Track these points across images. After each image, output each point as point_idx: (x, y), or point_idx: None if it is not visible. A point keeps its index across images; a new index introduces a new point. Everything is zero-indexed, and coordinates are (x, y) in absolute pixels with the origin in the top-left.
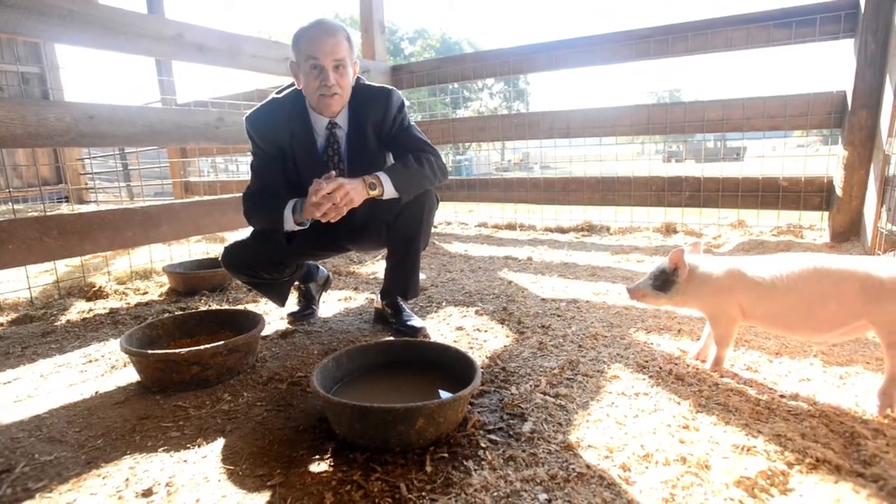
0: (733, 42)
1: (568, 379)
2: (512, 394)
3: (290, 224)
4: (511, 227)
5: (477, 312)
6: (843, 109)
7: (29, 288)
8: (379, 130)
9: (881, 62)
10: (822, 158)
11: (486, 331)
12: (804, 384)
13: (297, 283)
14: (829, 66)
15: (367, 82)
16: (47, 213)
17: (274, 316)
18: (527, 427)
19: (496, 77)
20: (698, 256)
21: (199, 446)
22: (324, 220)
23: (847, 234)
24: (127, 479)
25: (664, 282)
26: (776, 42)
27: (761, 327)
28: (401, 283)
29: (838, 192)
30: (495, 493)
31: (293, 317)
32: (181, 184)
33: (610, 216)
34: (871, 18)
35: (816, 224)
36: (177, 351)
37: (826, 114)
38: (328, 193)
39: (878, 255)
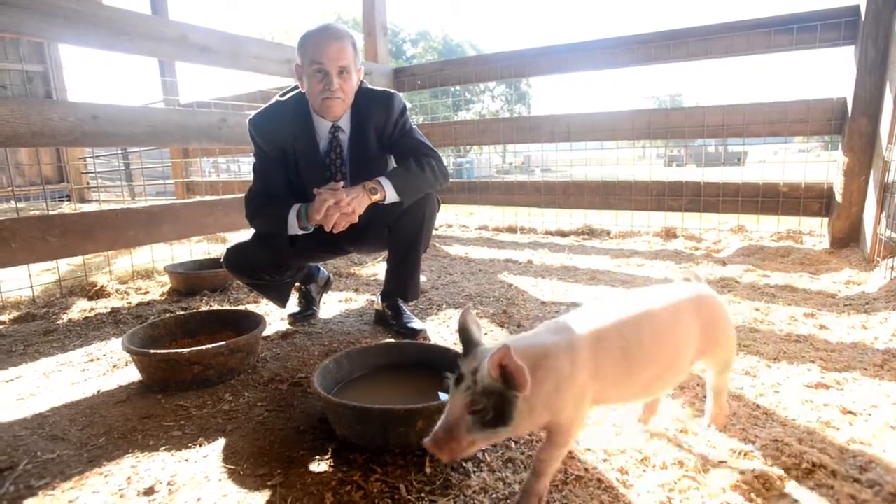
0: (734, 48)
1: None
2: None
3: (294, 229)
4: (512, 230)
5: (477, 315)
6: (844, 116)
7: (31, 287)
8: (381, 134)
9: (881, 69)
10: (823, 164)
11: (486, 333)
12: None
13: (298, 284)
14: (830, 72)
15: (369, 86)
16: (50, 213)
17: (275, 317)
18: None
19: (498, 80)
20: (517, 346)
21: (200, 446)
22: (327, 230)
23: (846, 240)
24: (129, 478)
25: (500, 407)
26: (777, 48)
27: (609, 404)
28: (401, 285)
29: (838, 197)
30: (494, 495)
31: (294, 318)
32: (183, 184)
33: (610, 220)
34: (872, 26)
35: (816, 230)
36: (179, 351)
37: (826, 120)
38: (334, 203)
39: (878, 261)
